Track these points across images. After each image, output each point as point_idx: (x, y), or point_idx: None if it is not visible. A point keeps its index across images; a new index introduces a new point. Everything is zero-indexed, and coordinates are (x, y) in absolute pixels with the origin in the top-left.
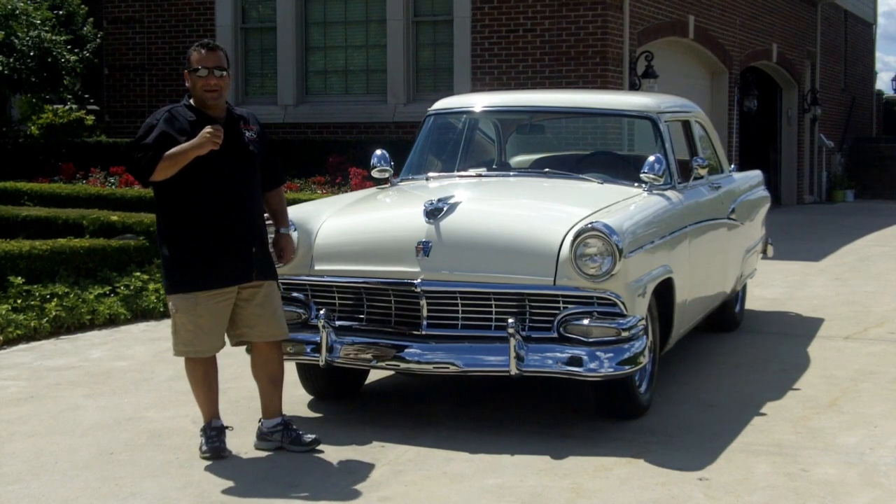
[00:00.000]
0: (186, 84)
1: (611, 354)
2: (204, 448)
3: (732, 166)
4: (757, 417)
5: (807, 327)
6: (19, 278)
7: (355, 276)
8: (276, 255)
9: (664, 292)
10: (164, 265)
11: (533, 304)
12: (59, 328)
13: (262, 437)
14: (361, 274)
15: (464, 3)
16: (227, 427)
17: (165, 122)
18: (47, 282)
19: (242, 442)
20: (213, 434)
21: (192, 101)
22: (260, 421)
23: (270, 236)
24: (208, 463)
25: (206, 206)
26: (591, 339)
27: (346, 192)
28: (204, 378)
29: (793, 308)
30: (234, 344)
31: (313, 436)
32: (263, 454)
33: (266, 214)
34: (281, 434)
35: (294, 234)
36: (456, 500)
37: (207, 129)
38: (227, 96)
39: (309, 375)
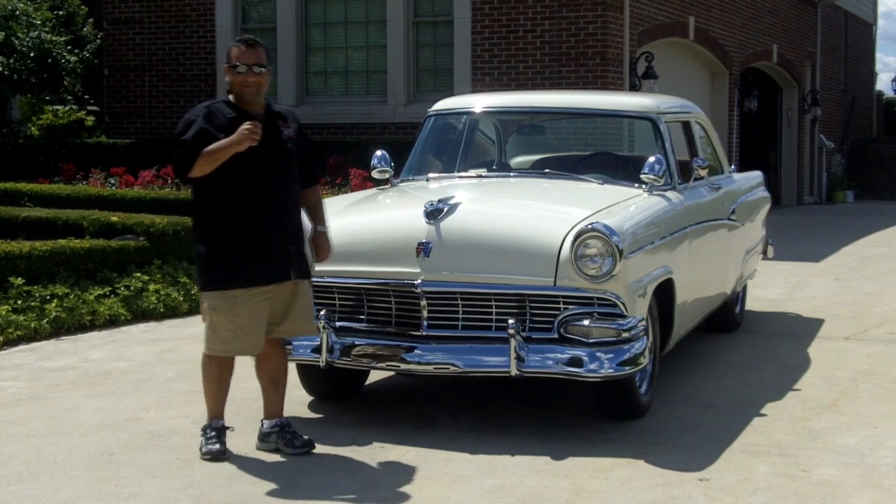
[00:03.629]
0: (226, 79)
1: (611, 355)
2: (203, 449)
3: (732, 167)
4: (757, 418)
5: (807, 328)
6: (19, 279)
7: (356, 276)
8: (312, 253)
9: (664, 293)
10: (199, 262)
11: (533, 304)
12: (60, 329)
13: (262, 437)
14: (362, 275)
15: (464, 3)
16: (227, 427)
17: (204, 118)
18: (47, 282)
19: (244, 443)
20: (213, 435)
21: (231, 97)
22: (262, 421)
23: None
24: (209, 464)
25: (245, 203)
26: (591, 340)
27: (347, 192)
28: (218, 377)
29: (793, 309)
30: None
31: (306, 438)
32: (264, 455)
33: None
34: (277, 435)
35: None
36: (456, 500)
37: (245, 125)
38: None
39: (309, 376)
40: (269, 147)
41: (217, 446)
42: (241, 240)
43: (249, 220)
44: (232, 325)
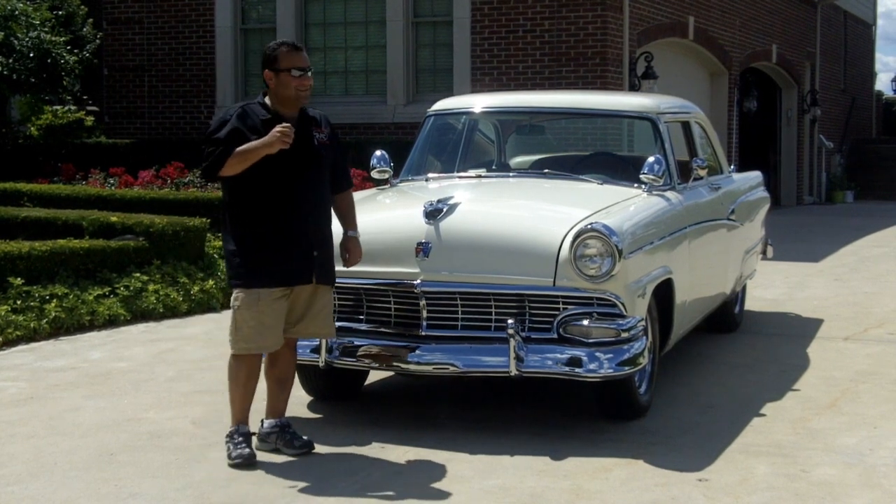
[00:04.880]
0: (268, 83)
1: (610, 355)
2: (234, 454)
3: (732, 167)
4: (756, 418)
5: (806, 328)
6: (19, 279)
7: (355, 276)
8: (341, 258)
9: (664, 293)
10: (227, 259)
11: (532, 304)
12: (59, 329)
13: (262, 438)
14: (361, 275)
15: (463, 3)
16: (253, 434)
17: (238, 118)
18: (47, 283)
19: None
20: (242, 440)
21: (266, 99)
22: (261, 421)
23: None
24: (208, 464)
25: (273, 206)
26: (590, 340)
27: None
28: (246, 380)
29: (792, 309)
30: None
31: (305, 438)
32: (263, 455)
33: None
34: (276, 436)
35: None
36: (456, 500)
37: (278, 128)
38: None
39: (309, 376)
40: (300, 151)
41: (248, 450)
42: (267, 241)
43: (277, 223)
44: (255, 321)
